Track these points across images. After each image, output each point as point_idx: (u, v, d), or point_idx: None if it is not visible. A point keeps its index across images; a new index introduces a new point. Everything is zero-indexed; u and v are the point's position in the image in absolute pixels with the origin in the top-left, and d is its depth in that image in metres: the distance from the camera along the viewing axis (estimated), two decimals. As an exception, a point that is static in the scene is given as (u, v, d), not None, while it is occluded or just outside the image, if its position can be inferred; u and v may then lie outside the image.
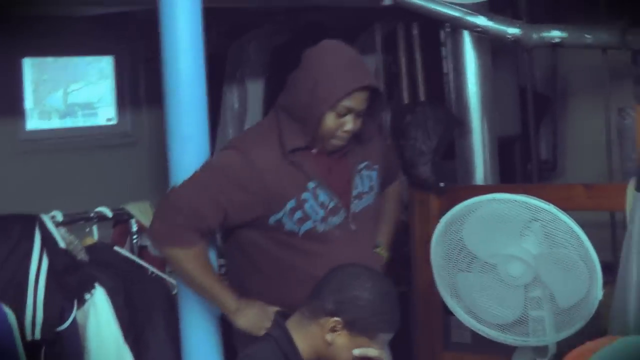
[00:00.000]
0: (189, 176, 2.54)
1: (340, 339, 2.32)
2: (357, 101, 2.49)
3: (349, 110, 2.50)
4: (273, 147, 2.56)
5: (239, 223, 2.60)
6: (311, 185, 2.56)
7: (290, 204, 2.56)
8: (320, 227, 2.62)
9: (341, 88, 2.48)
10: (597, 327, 2.84)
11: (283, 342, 2.35)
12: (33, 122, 4.43)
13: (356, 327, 2.30)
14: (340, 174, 2.66)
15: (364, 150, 2.70)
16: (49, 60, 4.60)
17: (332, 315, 2.29)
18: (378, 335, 2.34)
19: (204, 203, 2.55)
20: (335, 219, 2.62)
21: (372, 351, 2.36)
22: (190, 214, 2.54)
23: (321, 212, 2.61)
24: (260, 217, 2.57)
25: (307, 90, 2.54)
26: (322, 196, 2.60)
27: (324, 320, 2.29)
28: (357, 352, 2.34)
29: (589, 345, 1.53)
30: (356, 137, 2.62)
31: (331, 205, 2.60)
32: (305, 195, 2.57)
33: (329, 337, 2.31)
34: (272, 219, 2.56)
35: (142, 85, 4.52)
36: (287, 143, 2.55)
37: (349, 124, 2.51)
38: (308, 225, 2.60)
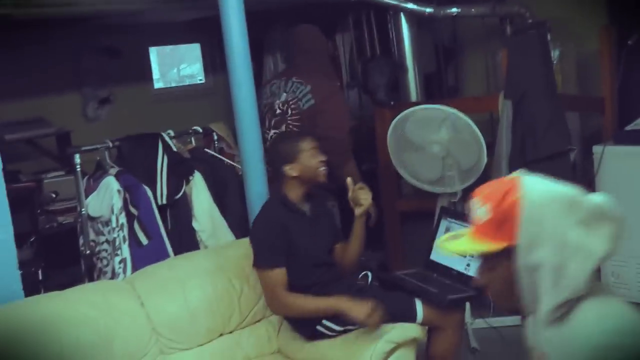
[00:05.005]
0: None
1: (299, 165, 3.09)
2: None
3: None
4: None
5: None
6: None
7: None
8: None
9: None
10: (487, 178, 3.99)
11: (280, 198, 3.14)
12: (159, 84, 6.14)
13: (293, 157, 3.09)
14: None
15: None
16: (165, 48, 6.28)
17: (285, 164, 3.10)
18: (303, 145, 3.12)
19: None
20: None
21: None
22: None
23: None
24: None
25: None
26: None
27: (286, 168, 3.09)
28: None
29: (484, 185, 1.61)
30: None
31: None
32: None
33: (295, 172, 3.08)
34: None
35: (216, 60, 5.93)
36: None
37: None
38: None
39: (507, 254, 1.56)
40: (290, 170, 3.11)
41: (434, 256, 3.44)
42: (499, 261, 1.59)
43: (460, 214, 3.65)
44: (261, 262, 3.05)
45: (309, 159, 3.12)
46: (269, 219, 3.10)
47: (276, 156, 3.20)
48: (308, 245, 3.11)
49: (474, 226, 1.61)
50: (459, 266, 3.32)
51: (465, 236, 1.65)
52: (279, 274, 3.02)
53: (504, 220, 1.55)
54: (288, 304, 3.03)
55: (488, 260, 1.63)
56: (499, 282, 1.62)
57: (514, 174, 1.64)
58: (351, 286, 3.19)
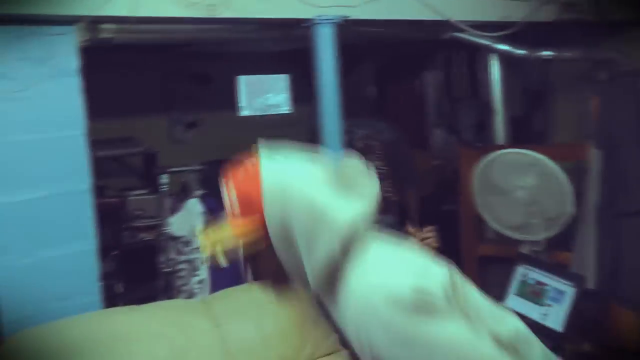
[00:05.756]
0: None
1: None
2: None
3: None
4: None
5: None
6: None
7: None
8: None
9: None
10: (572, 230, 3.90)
11: None
12: (245, 112, 6.32)
13: None
14: None
15: None
16: (253, 77, 6.44)
17: None
18: None
19: None
20: None
21: None
22: None
23: None
24: None
25: None
26: None
27: None
28: None
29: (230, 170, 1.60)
30: None
31: None
32: None
33: None
34: None
35: (304, 91, 5.69)
36: None
37: None
38: None
39: (266, 238, 1.55)
40: None
41: (508, 303, 3.38)
42: (259, 247, 1.59)
43: (539, 262, 3.53)
44: None
45: None
46: None
47: None
48: None
49: (230, 215, 1.61)
50: (535, 314, 3.25)
51: (224, 226, 1.64)
52: None
53: (250, 199, 1.57)
54: None
55: (252, 252, 1.63)
56: (268, 267, 1.63)
57: (254, 151, 1.66)
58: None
